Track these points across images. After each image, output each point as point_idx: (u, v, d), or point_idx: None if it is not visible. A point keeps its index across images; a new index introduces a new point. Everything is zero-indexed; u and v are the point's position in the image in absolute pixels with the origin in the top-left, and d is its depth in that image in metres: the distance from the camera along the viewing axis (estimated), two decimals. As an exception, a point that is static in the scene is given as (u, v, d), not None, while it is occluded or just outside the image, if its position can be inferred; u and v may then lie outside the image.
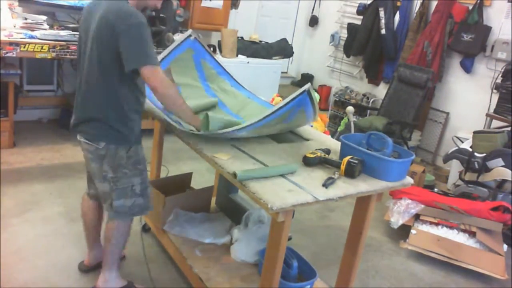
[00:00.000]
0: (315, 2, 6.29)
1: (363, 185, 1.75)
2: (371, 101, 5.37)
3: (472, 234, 3.00)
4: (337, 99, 5.68)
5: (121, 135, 1.91)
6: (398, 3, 5.06)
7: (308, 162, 1.84)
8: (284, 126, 2.10)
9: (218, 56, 4.59)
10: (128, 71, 1.77)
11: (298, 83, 6.50)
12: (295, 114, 1.92)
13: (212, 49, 4.62)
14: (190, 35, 2.49)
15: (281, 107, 1.80)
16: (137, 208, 2.05)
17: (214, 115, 1.95)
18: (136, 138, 1.97)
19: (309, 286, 2.11)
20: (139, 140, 2.01)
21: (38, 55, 3.25)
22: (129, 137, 1.93)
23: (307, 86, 1.79)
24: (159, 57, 2.37)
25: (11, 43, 3.13)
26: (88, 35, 1.84)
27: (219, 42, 4.77)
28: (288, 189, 1.59)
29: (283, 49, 5.18)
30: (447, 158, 3.70)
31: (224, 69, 2.64)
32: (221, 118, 1.99)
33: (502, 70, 4.12)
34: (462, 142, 3.99)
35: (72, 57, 3.45)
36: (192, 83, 2.52)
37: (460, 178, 3.65)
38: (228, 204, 2.78)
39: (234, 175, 1.62)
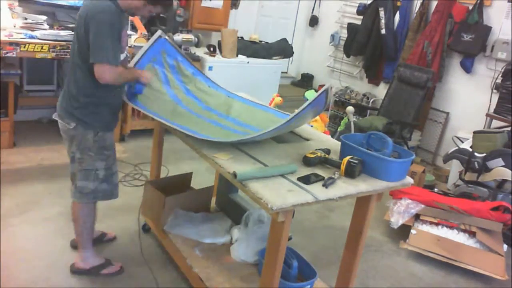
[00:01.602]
0: (315, 2, 6.29)
1: (363, 185, 1.75)
2: (371, 101, 5.37)
3: (472, 234, 3.00)
4: (337, 99, 5.68)
5: (86, 122, 2.06)
6: (398, 3, 5.05)
7: (308, 162, 1.84)
8: (296, 124, 2.11)
9: (218, 56, 4.60)
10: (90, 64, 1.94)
11: (298, 83, 6.49)
12: (310, 112, 1.92)
13: (212, 49, 4.62)
14: (160, 36, 2.45)
15: (303, 109, 1.78)
16: (101, 193, 2.20)
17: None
18: (105, 126, 2.12)
19: (309, 286, 2.11)
20: (109, 128, 2.15)
21: (38, 55, 3.25)
22: (94, 124, 2.08)
23: (327, 86, 1.80)
24: (133, 60, 2.37)
25: (11, 43, 3.13)
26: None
27: (219, 42, 4.77)
28: (288, 189, 1.59)
29: (283, 49, 5.18)
30: (447, 158, 3.70)
31: (198, 69, 2.62)
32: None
33: (502, 70, 4.12)
34: (462, 142, 3.99)
35: (72, 57, 3.45)
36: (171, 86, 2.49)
37: (460, 178, 3.65)
38: (228, 204, 2.78)
39: (234, 175, 1.62)
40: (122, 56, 2.09)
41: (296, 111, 1.80)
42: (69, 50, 3.35)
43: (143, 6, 2.05)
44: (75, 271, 2.29)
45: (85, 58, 1.96)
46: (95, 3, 1.93)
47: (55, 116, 2.15)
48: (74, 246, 2.45)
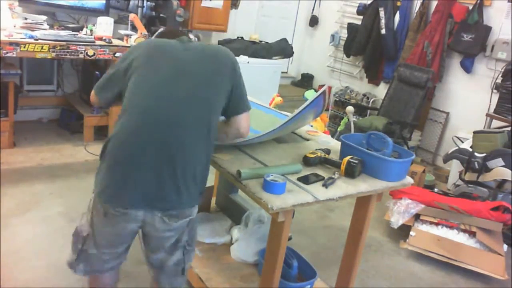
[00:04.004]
0: (315, 2, 6.29)
1: (363, 185, 1.75)
2: (371, 101, 5.37)
3: (472, 234, 3.00)
4: (337, 99, 5.68)
5: (201, 193, 1.60)
6: (398, 3, 5.05)
7: (308, 162, 1.84)
8: (296, 126, 2.10)
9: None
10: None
11: (298, 83, 6.49)
12: (309, 113, 1.92)
13: (212, 49, 4.62)
14: None
15: (301, 111, 1.77)
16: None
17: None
18: None
19: (309, 286, 2.11)
20: None
21: (38, 55, 3.25)
22: (204, 190, 1.63)
23: (324, 87, 1.80)
24: None
25: (11, 43, 3.12)
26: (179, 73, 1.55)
27: (219, 42, 4.77)
28: (288, 189, 1.59)
29: (283, 49, 5.18)
30: (447, 158, 3.70)
31: None
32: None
33: (502, 70, 4.12)
34: (462, 142, 3.99)
35: (72, 57, 3.45)
36: None
37: (460, 178, 3.65)
38: (228, 204, 2.78)
39: (239, 173, 1.62)
40: None
41: (294, 111, 1.80)
42: (69, 50, 3.37)
43: None
44: None
45: (218, 113, 1.61)
46: (223, 48, 1.73)
47: (163, 223, 1.52)
48: None
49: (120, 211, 1.48)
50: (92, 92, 1.70)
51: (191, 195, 1.52)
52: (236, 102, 1.64)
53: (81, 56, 3.46)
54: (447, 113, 4.80)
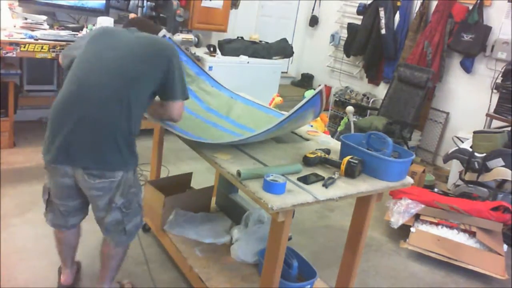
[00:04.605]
0: (315, 2, 6.29)
1: (363, 185, 1.75)
2: (371, 101, 5.37)
3: (472, 234, 3.00)
4: (337, 99, 5.68)
5: (130, 163, 1.83)
6: (398, 3, 5.05)
7: (308, 162, 1.84)
8: (293, 126, 2.10)
9: (219, 56, 4.60)
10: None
11: (298, 83, 6.49)
12: (306, 113, 1.92)
13: (212, 49, 4.62)
14: (164, 35, 2.43)
15: (296, 110, 1.76)
16: (141, 222, 2.01)
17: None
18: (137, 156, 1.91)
19: (309, 286, 2.11)
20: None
21: (38, 55, 3.25)
22: (135, 160, 1.86)
23: (321, 87, 1.80)
24: None
25: (11, 43, 3.13)
26: (111, 54, 1.79)
27: (219, 42, 4.77)
28: (288, 189, 1.59)
29: (283, 49, 5.18)
30: (447, 158, 3.70)
31: (202, 69, 2.60)
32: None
33: (502, 70, 4.12)
34: (462, 142, 3.99)
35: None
36: None
37: (460, 178, 3.65)
38: (228, 204, 2.78)
39: (239, 173, 1.62)
40: None
41: (290, 111, 1.79)
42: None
43: None
44: None
45: (147, 94, 1.81)
46: (163, 40, 1.94)
47: (85, 180, 1.74)
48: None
49: (51, 165, 1.77)
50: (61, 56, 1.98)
51: (113, 159, 1.74)
52: (168, 89, 1.85)
53: (81, 56, 3.46)
54: (447, 113, 4.80)
